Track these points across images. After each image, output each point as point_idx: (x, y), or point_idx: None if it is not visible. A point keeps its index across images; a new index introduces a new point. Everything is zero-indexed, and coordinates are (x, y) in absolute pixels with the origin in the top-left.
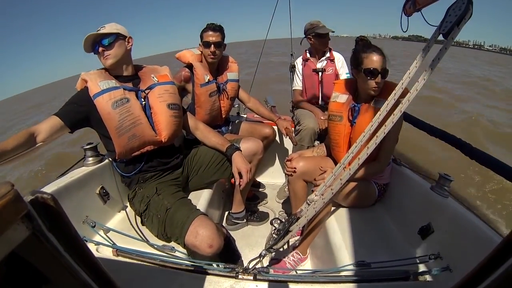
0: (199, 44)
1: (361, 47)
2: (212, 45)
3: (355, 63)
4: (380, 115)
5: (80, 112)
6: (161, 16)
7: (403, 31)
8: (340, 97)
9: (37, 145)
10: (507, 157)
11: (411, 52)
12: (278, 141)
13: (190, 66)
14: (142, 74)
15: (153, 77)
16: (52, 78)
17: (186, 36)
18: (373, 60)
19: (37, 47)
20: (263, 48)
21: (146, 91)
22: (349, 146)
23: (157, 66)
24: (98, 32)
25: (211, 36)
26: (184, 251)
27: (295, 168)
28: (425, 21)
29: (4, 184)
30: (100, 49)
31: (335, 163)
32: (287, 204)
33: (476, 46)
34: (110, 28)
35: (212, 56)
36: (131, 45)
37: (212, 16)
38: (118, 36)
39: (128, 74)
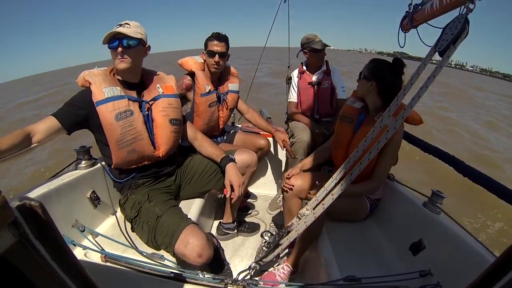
0: (203, 52)
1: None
2: (217, 55)
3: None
4: (374, 131)
5: (79, 115)
6: (160, 17)
7: (400, 47)
8: (357, 103)
9: (32, 145)
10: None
11: None
12: (272, 152)
13: (192, 74)
14: (148, 82)
15: (158, 88)
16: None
17: (182, 38)
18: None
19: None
20: (261, 56)
21: (150, 102)
22: (347, 151)
23: (163, 75)
24: (122, 31)
25: (216, 46)
26: (174, 260)
27: (293, 185)
28: (420, 39)
29: None
30: (119, 49)
31: (329, 174)
32: (278, 216)
33: (458, 66)
34: (135, 29)
35: (215, 66)
36: (146, 55)
37: (210, 19)
38: (140, 42)
39: (135, 82)
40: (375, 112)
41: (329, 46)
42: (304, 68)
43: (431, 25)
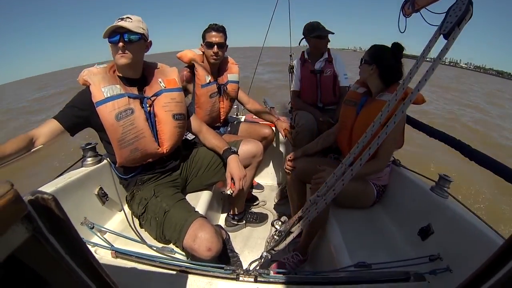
0: (201, 45)
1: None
2: (215, 46)
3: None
4: (381, 115)
5: (80, 117)
6: (157, 15)
7: (401, 32)
8: (360, 89)
9: (36, 147)
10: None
11: None
12: (277, 142)
13: (191, 66)
14: (149, 77)
15: (160, 82)
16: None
17: (182, 37)
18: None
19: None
20: (261, 53)
21: (152, 98)
22: (351, 134)
23: (165, 67)
24: (124, 25)
25: (214, 37)
26: (184, 253)
27: (294, 167)
28: (425, 21)
29: (3, 184)
30: (120, 43)
31: (336, 161)
32: (286, 205)
33: (452, 64)
34: (137, 24)
35: (214, 57)
36: (148, 50)
37: (210, 18)
38: (141, 38)
39: (135, 77)
40: (376, 93)
41: (333, 33)
42: (306, 56)
43: (431, 12)
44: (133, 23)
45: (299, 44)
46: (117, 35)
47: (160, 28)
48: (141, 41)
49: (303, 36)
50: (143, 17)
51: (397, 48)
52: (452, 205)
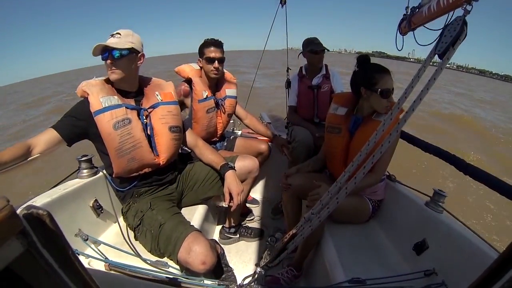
0: (199, 59)
1: (375, 68)
2: (216, 61)
3: (368, 83)
4: (376, 135)
5: (78, 126)
6: (155, 18)
7: (398, 50)
8: (340, 110)
9: (33, 156)
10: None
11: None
12: (274, 157)
13: (189, 81)
14: (146, 90)
15: (157, 95)
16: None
17: (179, 41)
18: (388, 81)
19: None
20: (260, 60)
21: (149, 110)
22: (346, 157)
23: (162, 81)
24: (111, 43)
25: (214, 52)
26: (178, 267)
27: (290, 184)
28: (416, 42)
29: None
30: (109, 61)
31: (331, 176)
32: (281, 221)
33: (435, 64)
34: (125, 39)
35: (215, 72)
36: (142, 62)
37: (209, 24)
38: (130, 52)
39: (132, 90)
40: (371, 112)
41: (328, 50)
42: (304, 71)
43: (428, 28)
44: (122, 38)
45: (298, 58)
46: (106, 52)
47: (160, 31)
48: (131, 55)
49: (301, 51)
50: (144, 21)
51: (363, 60)
52: (447, 220)
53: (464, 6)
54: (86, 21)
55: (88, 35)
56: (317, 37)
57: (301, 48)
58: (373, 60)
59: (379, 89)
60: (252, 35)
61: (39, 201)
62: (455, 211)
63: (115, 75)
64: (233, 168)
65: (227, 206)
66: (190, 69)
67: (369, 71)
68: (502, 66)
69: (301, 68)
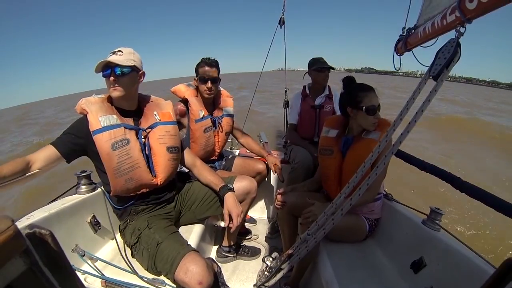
0: (194, 79)
1: (358, 87)
2: (209, 81)
3: (353, 102)
4: (372, 156)
5: (77, 144)
6: (153, 42)
7: (395, 69)
8: (331, 132)
9: (31, 172)
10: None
11: (364, 81)
12: (271, 176)
13: (185, 101)
14: (145, 109)
15: (155, 115)
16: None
17: (176, 65)
18: (373, 99)
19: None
20: (259, 80)
21: (147, 130)
22: (340, 177)
23: (161, 100)
24: (113, 60)
25: (208, 72)
26: (174, 286)
27: (284, 202)
28: (417, 61)
29: (4, 219)
30: (111, 78)
31: (327, 196)
32: (278, 239)
33: (413, 75)
34: (127, 56)
35: (208, 92)
36: (142, 80)
37: (208, 46)
38: (132, 70)
39: (131, 109)
40: (360, 131)
41: (333, 68)
42: (307, 91)
43: (424, 47)
44: (124, 56)
45: (303, 78)
46: (108, 69)
47: (158, 55)
48: (133, 73)
49: (307, 70)
50: (144, 43)
51: (349, 81)
52: (444, 238)
53: (458, 28)
54: (75, 45)
55: (81, 59)
56: (322, 57)
57: (291, 68)
58: (363, 75)
59: (364, 107)
60: (251, 56)
61: (36, 215)
62: (452, 229)
63: (117, 92)
64: (232, 189)
65: (225, 226)
66: (186, 89)
67: (353, 91)
68: (489, 72)
69: (304, 87)
